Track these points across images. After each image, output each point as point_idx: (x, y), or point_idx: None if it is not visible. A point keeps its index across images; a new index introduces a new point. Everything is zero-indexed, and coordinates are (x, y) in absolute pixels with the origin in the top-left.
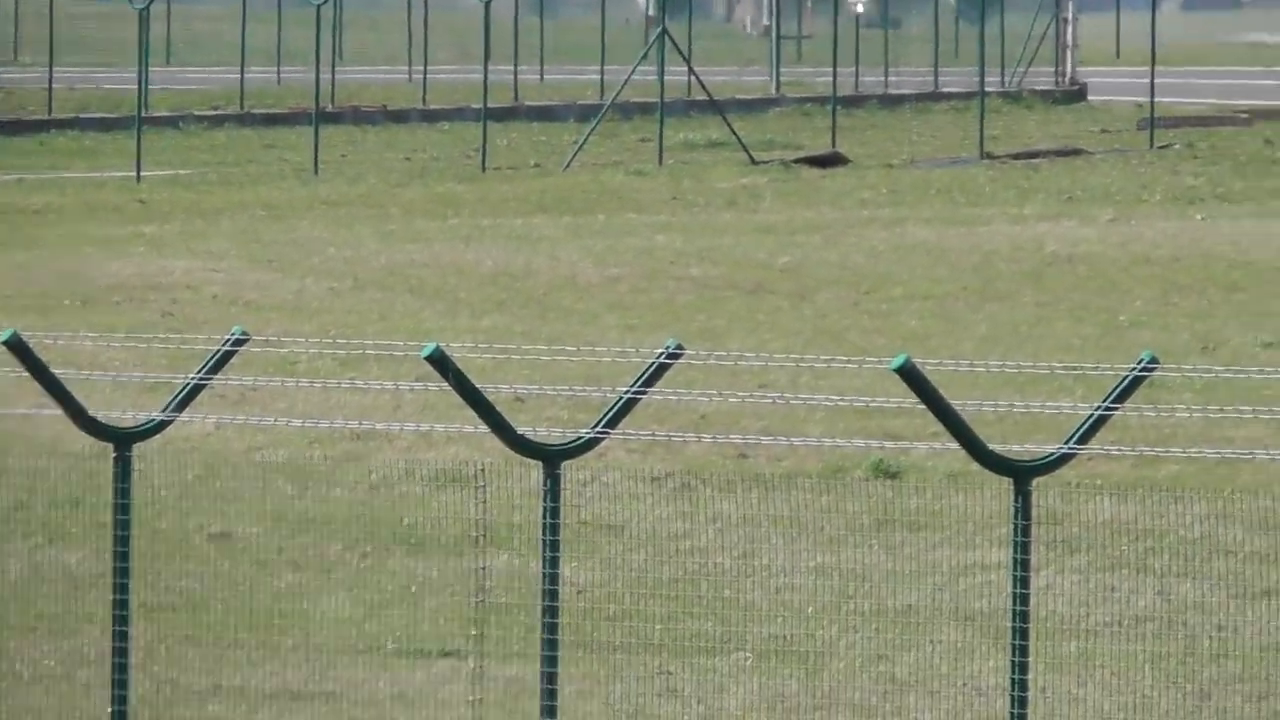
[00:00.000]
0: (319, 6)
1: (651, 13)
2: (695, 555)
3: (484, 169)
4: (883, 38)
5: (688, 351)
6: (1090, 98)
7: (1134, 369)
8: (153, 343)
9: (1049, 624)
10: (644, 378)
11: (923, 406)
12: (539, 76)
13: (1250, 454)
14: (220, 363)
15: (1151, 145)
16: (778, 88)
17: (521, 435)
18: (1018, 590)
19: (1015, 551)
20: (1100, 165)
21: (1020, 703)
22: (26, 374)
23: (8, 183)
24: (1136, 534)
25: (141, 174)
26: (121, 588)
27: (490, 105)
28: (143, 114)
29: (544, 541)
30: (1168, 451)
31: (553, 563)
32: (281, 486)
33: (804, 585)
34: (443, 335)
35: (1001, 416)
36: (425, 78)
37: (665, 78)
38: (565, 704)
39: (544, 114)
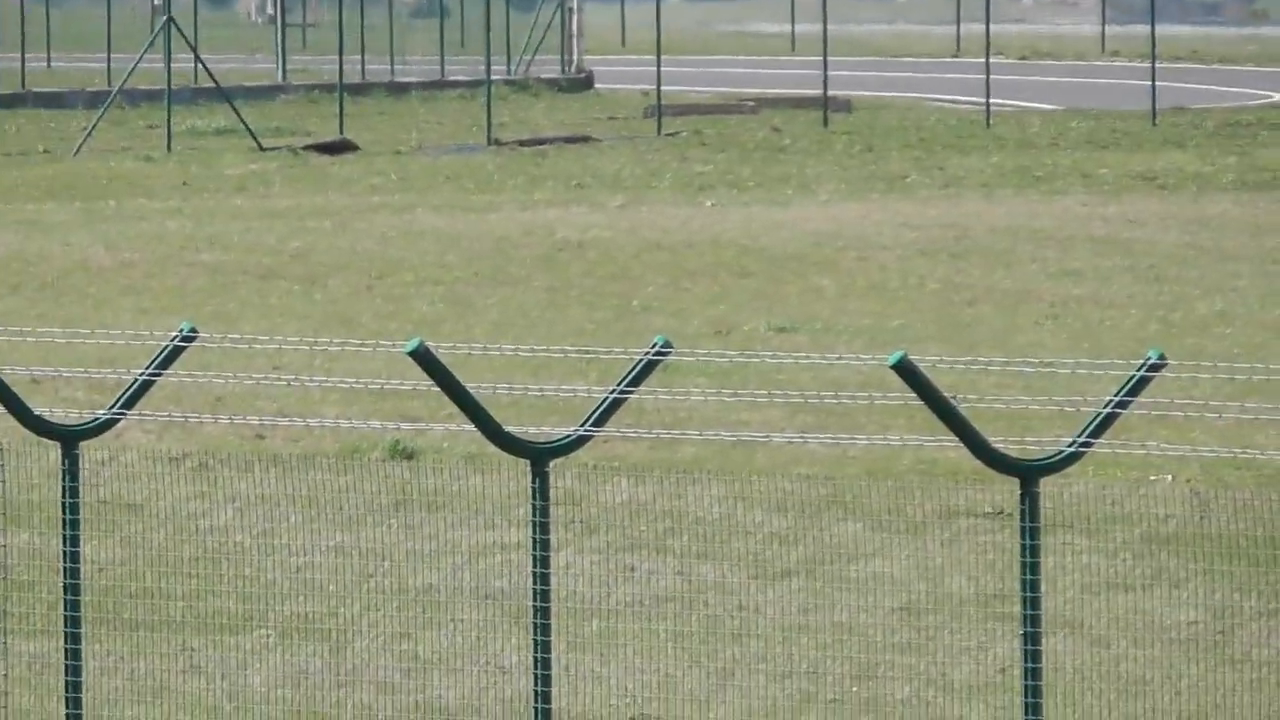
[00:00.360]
0: None
1: (157, 0)
2: (215, 534)
3: None
4: (388, 26)
5: (201, 335)
6: (597, 86)
7: (648, 352)
8: None
9: (570, 604)
10: (159, 359)
11: (438, 389)
12: (46, 63)
13: (766, 437)
14: None
15: (659, 133)
16: (284, 75)
17: (39, 416)
18: (538, 570)
19: (534, 531)
20: (609, 152)
21: (543, 680)
22: None
23: None
24: (655, 515)
25: None
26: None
27: None
28: None
29: (64, 520)
30: (684, 434)
31: (73, 541)
32: None
33: (324, 564)
34: None
35: (516, 399)
36: None
37: (172, 65)
38: (89, 680)
39: (52, 101)
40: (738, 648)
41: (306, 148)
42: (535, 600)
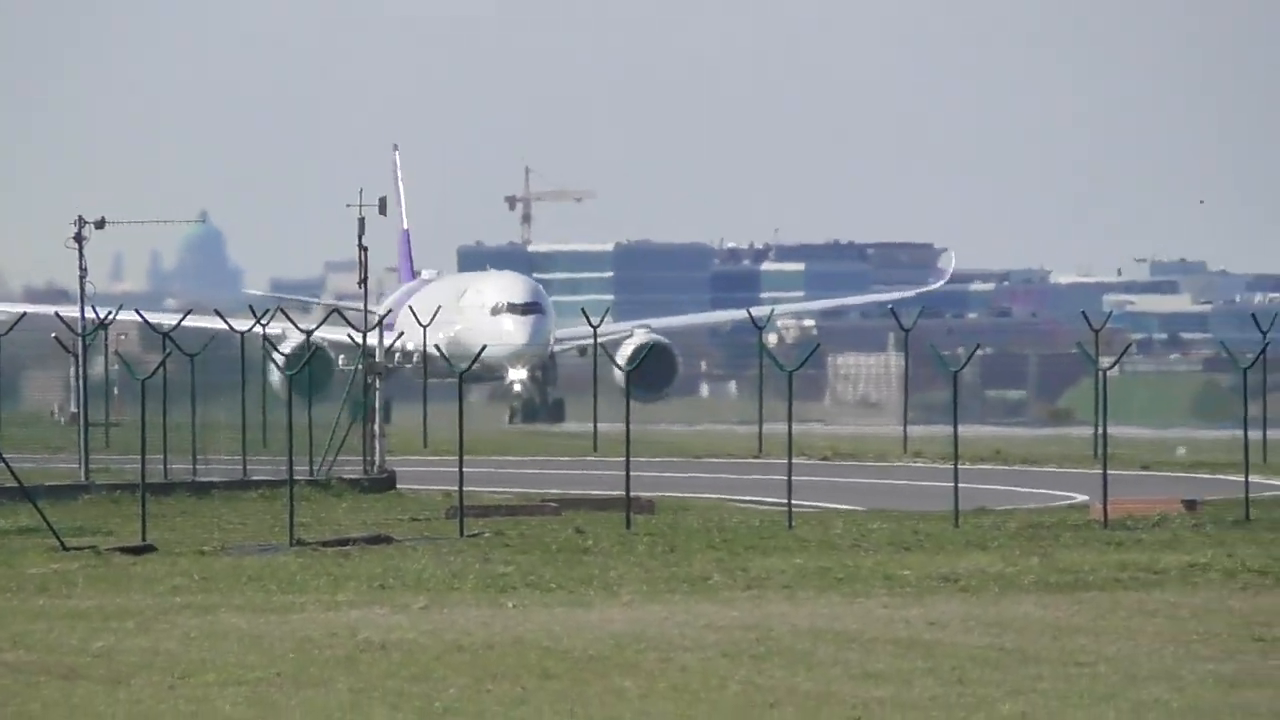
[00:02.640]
0: None
1: None
2: None
3: None
4: (190, 425)
5: None
6: (400, 486)
7: None
8: None
9: None
10: None
11: None
12: None
13: None
14: None
15: (462, 534)
16: (87, 474)
17: None
18: None
19: None
20: (411, 553)
21: None
22: None
23: None
24: None
25: None
26: None
27: None
28: None
29: None
30: None
31: None
32: None
33: None
34: None
35: None
36: None
37: None
38: None
39: None
40: None
41: (110, 550)
42: None
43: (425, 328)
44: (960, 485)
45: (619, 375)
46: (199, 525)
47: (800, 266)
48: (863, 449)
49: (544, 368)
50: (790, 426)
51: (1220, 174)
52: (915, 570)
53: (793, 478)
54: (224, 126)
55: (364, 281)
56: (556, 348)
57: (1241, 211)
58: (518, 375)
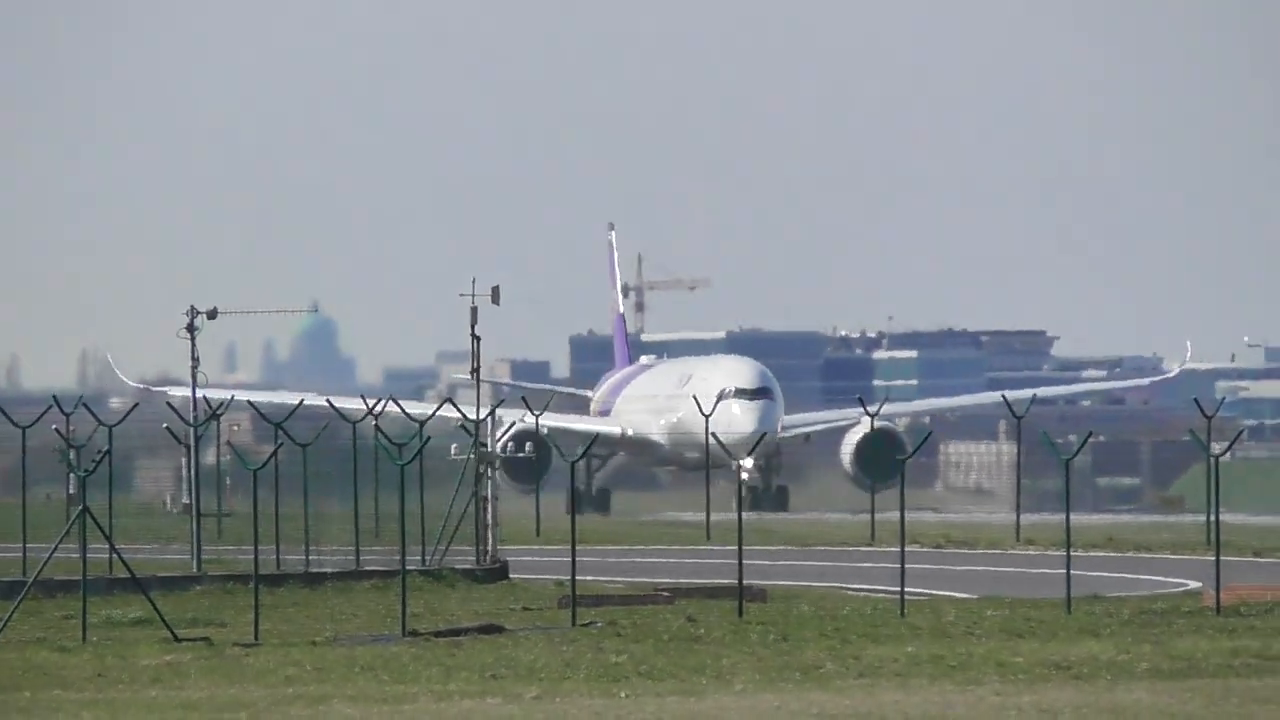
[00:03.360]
0: None
1: (72, 490)
2: None
3: None
4: (304, 516)
5: None
6: (512, 576)
7: None
8: None
9: None
10: None
11: None
12: None
13: None
14: None
15: (574, 623)
16: (199, 565)
17: None
18: None
19: None
20: (523, 643)
21: None
22: None
23: None
24: None
25: None
26: None
27: None
28: None
29: None
30: None
31: None
32: None
33: None
34: None
35: None
36: None
37: (87, 555)
38: None
39: None
40: None
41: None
42: None
43: (538, 416)
44: (1073, 572)
45: (847, 462)
46: (311, 616)
47: (913, 354)
48: (975, 536)
49: (768, 455)
50: (903, 514)
51: None
52: (1028, 658)
53: (905, 565)
54: (334, 215)
55: (476, 371)
56: (783, 434)
57: None
58: (745, 463)
